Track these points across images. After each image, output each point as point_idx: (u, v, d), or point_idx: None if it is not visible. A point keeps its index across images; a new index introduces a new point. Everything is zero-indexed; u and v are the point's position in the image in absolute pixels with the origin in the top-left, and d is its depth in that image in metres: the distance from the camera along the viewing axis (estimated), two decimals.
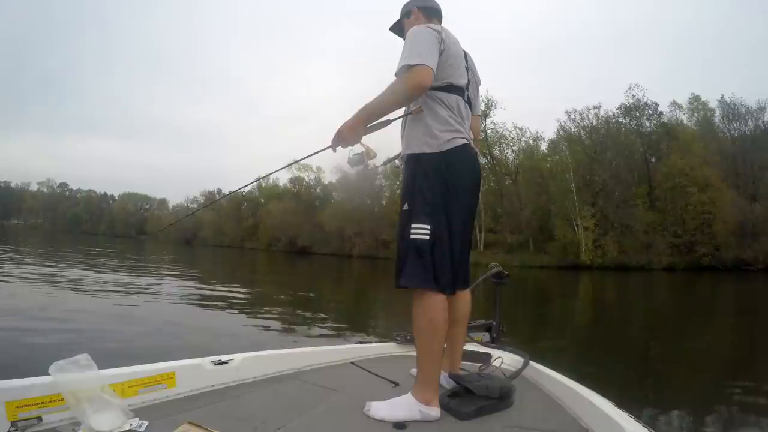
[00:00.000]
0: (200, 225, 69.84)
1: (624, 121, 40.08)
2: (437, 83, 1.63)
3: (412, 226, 1.60)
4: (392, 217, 40.81)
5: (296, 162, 2.04)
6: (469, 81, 1.79)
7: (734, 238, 31.14)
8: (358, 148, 1.70)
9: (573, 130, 40.95)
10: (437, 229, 1.59)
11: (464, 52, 1.79)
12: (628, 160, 38.21)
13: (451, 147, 1.66)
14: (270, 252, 50.42)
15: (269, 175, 2.11)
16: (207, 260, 28.81)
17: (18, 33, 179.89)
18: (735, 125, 39.28)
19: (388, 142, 1.90)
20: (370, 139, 1.71)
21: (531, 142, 44.52)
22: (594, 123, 40.24)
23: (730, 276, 26.42)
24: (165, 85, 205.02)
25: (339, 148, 1.70)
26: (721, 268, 30.48)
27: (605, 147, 38.55)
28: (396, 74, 1.61)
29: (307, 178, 59.65)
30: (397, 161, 2.00)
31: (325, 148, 1.72)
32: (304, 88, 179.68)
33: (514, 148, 44.96)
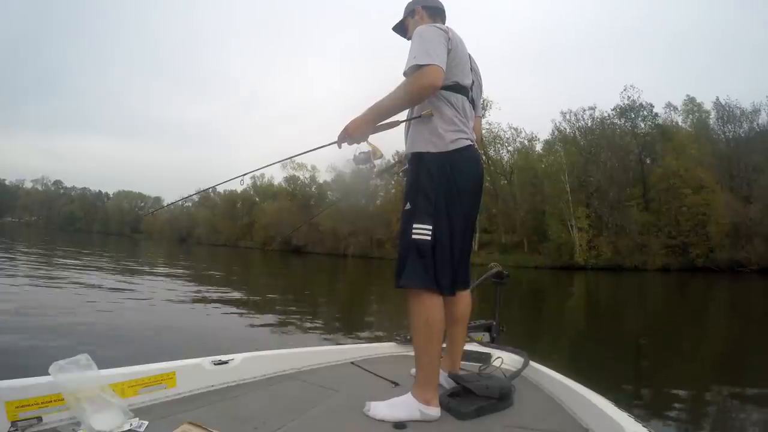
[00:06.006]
0: (195, 223, 69.52)
1: (619, 122, 40.38)
2: (444, 82, 1.59)
3: (414, 226, 1.58)
4: (387, 216, 40.88)
5: (299, 155, 2.02)
6: (473, 82, 1.77)
7: (728, 239, 31.31)
8: (364, 147, 1.68)
9: (568, 130, 41.29)
10: (439, 230, 1.57)
11: (468, 53, 1.78)
12: (622, 161, 38.38)
13: (456, 147, 1.64)
14: (265, 251, 50.23)
15: (264, 167, 2.09)
16: (203, 259, 28.64)
17: (16, 31, 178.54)
18: (730, 127, 39.36)
19: (385, 142, 1.88)
20: (378, 139, 1.69)
21: (526, 142, 44.78)
22: (589, 124, 40.59)
23: (724, 277, 26.54)
24: (162, 83, 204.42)
25: (345, 145, 1.68)
26: (715, 269, 30.64)
27: (600, 148, 38.75)
28: (405, 74, 1.59)
29: (302, 177, 59.56)
30: (396, 168, 1.98)
31: (331, 143, 1.70)
32: (303, 87, 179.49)
33: (509, 148, 45.25)
